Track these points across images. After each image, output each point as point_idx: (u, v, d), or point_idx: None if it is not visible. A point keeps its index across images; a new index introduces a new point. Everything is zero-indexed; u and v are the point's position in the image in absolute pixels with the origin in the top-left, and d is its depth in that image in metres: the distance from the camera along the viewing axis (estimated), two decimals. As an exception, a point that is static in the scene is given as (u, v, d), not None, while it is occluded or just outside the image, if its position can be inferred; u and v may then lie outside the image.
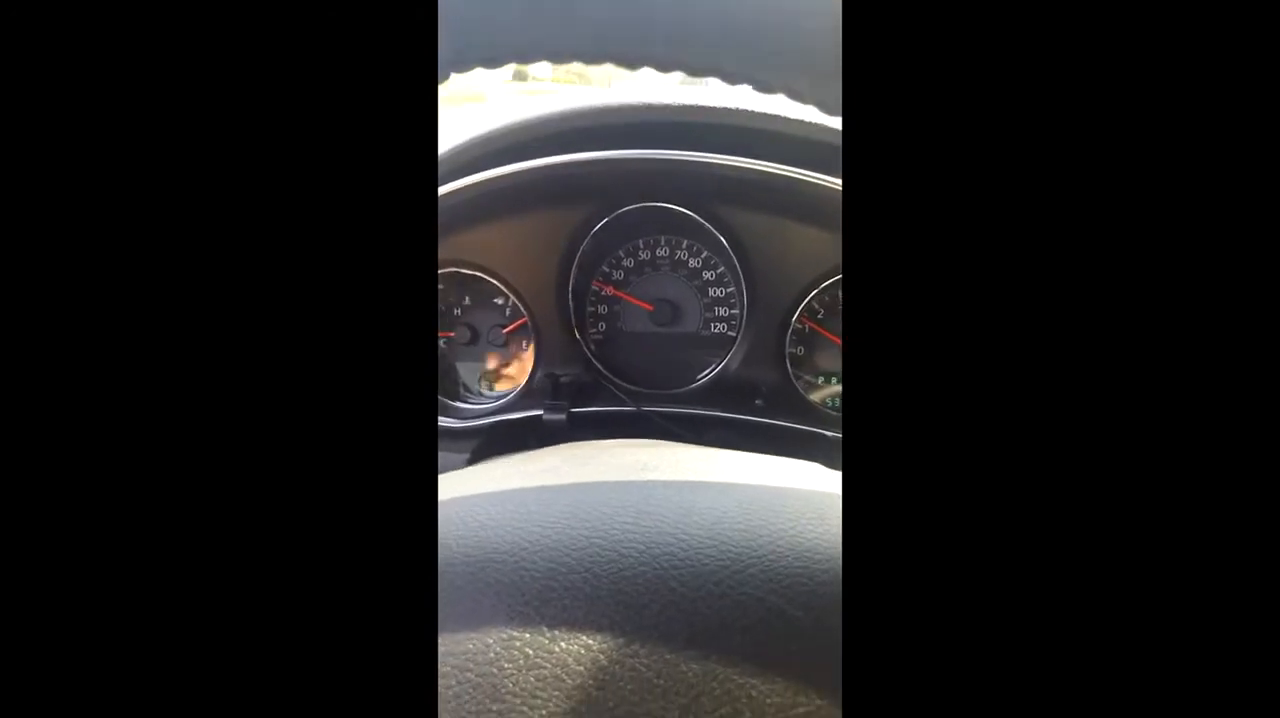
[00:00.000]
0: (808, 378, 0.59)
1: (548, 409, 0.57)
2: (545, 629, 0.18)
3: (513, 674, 0.18)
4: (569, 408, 0.57)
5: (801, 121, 0.49)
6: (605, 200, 0.56)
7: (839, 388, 0.59)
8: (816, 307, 0.57)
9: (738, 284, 0.58)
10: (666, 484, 0.24)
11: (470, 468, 0.33)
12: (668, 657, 0.18)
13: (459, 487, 0.26)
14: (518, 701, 0.17)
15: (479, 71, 0.19)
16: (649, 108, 0.51)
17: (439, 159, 0.55)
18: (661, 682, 0.17)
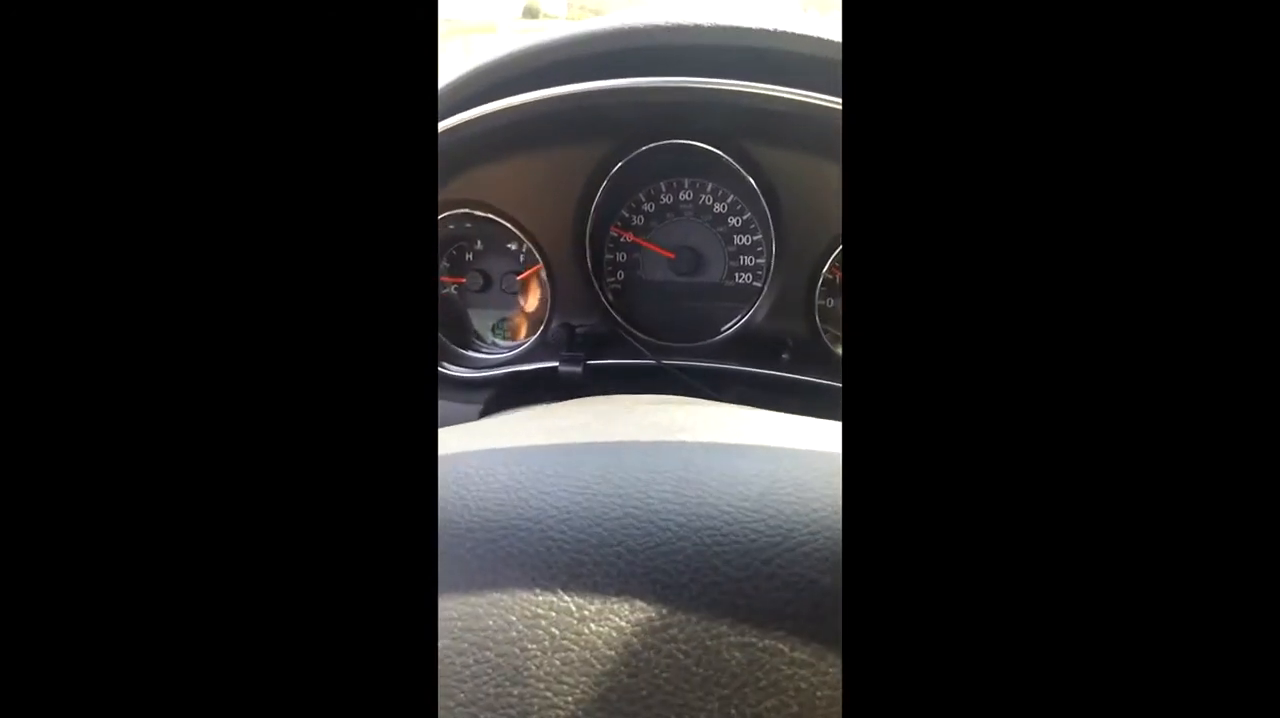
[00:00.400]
0: (838, 332, 0.56)
1: (563, 361, 0.54)
2: (574, 608, 0.17)
3: (536, 656, 0.16)
4: (585, 360, 0.54)
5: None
6: (625, 136, 0.52)
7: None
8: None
9: (765, 231, 0.55)
10: (708, 448, 0.21)
11: (485, 420, 0.30)
12: (708, 643, 0.16)
13: (474, 440, 0.24)
14: (541, 685, 0.16)
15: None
16: (674, 28, 0.47)
17: (452, 86, 0.51)
18: (701, 670, 0.16)
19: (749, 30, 0.46)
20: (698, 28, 0.46)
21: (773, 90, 0.45)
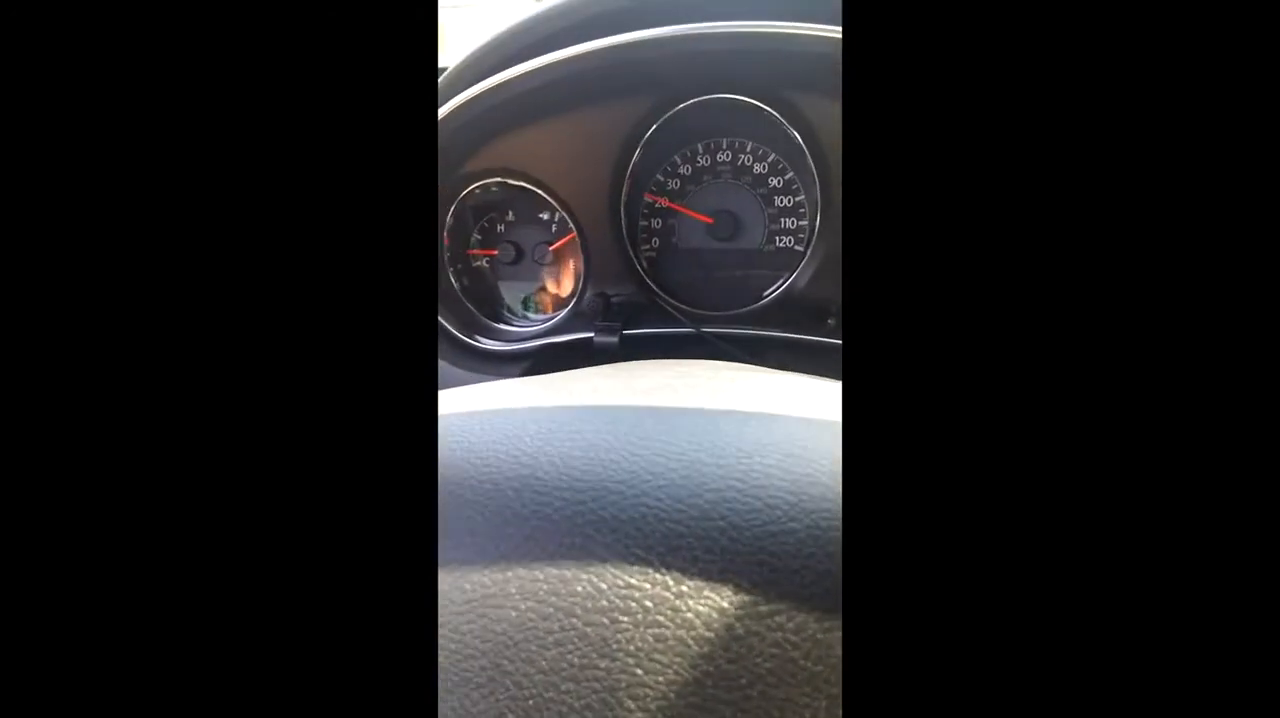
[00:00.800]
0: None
1: (599, 331, 0.52)
2: (670, 582, 0.15)
3: (628, 629, 0.15)
4: (621, 329, 0.52)
5: None
6: (662, 93, 0.50)
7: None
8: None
9: (809, 192, 0.52)
10: (810, 423, 0.19)
11: (551, 376, 0.29)
12: (819, 636, 0.14)
13: (548, 394, 0.22)
14: (631, 661, 0.14)
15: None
16: None
17: (481, 51, 0.49)
18: (809, 664, 0.14)
19: None
20: None
21: (822, 30, 0.42)
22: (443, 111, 0.49)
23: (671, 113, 0.51)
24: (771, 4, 0.44)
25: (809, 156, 0.50)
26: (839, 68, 0.43)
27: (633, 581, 0.15)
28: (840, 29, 0.42)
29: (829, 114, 0.48)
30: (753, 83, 0.49)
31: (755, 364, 0.37)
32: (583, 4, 0.47)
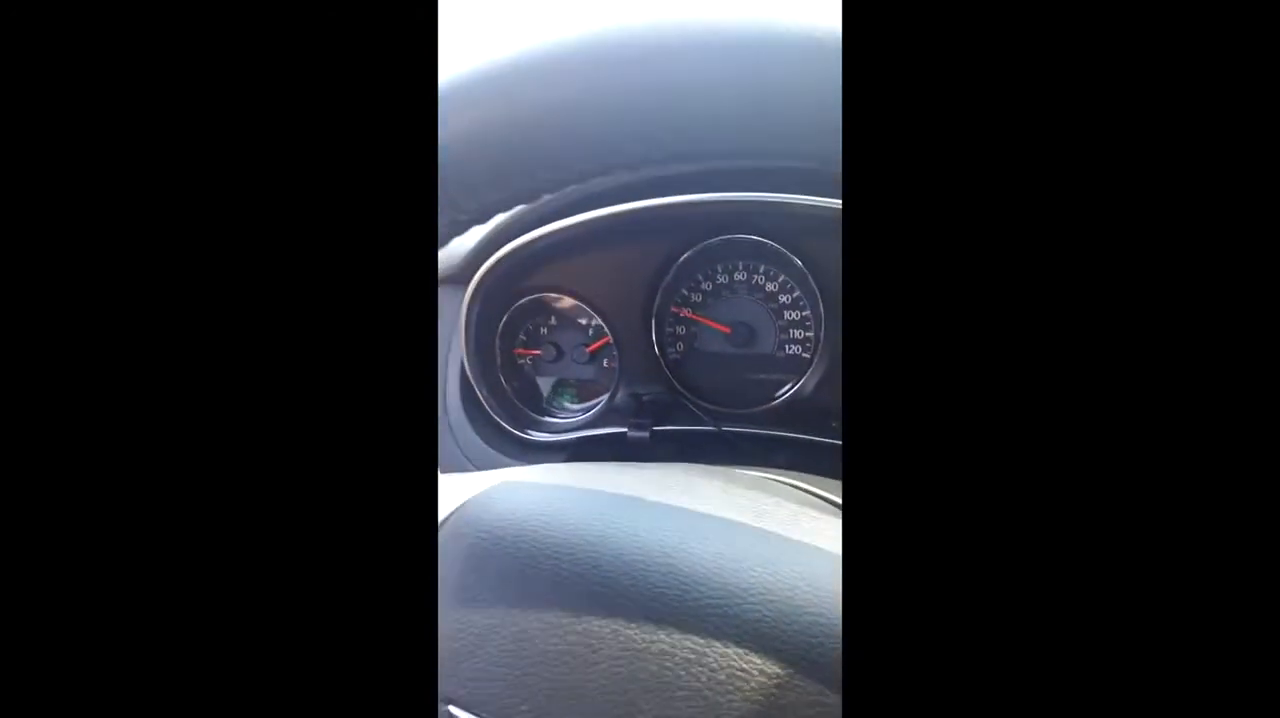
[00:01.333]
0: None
1: (632, 428, 0.60)
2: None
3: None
4: (652, 426, 0.60)
5: None
6: (690, 233, 0.60)
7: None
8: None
9: (814, 308, 0.61)
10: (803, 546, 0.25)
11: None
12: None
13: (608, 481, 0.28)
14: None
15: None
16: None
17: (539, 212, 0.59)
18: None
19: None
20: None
21: (817, 201, 0.52)
22: (497, 255, 0.60)
23: (699, 246, 0.60)
24: (777, 179, 0.54)
25: (811, 279, 0.59)
26: (833, 225, 0.53)
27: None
28: (833, 200, 0.52)
29: (827, 249, 0.57)
30: (762, 228, 0.59)
31: (767, 465, 0.44)
32: (626, 181, 0.57)
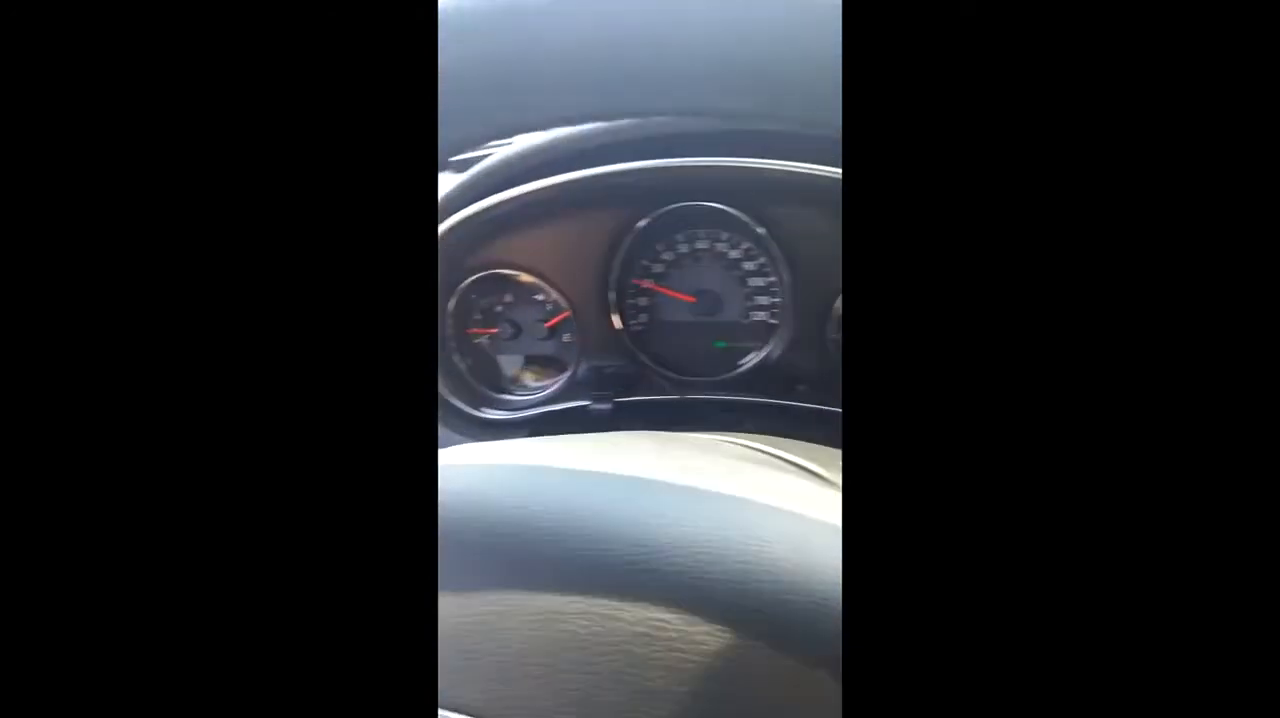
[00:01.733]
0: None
1: (594, 399, 0.58)
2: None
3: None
4: (614, 398, 0.58)
5: None
6: (645, 201, 0.57)
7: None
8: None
9: (779, 273, 0.59)
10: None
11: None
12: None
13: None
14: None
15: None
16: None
17: (486, 170, 0.56)
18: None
19: None
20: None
21: (777, 165, 0.51)
22: (444, 226, 0.57)
23: (655, 214, 0.58)
24: (736, 140, 0.53)
25: (775, 245, 0.57)
26: (792, 184, 0.52)
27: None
28: (791, 164, 0.51)
29: (788, 214, 0.56)
30: (721, 193, 0.57)
31: (738, 431, 0.42)
32: (577, 138, 0.54)
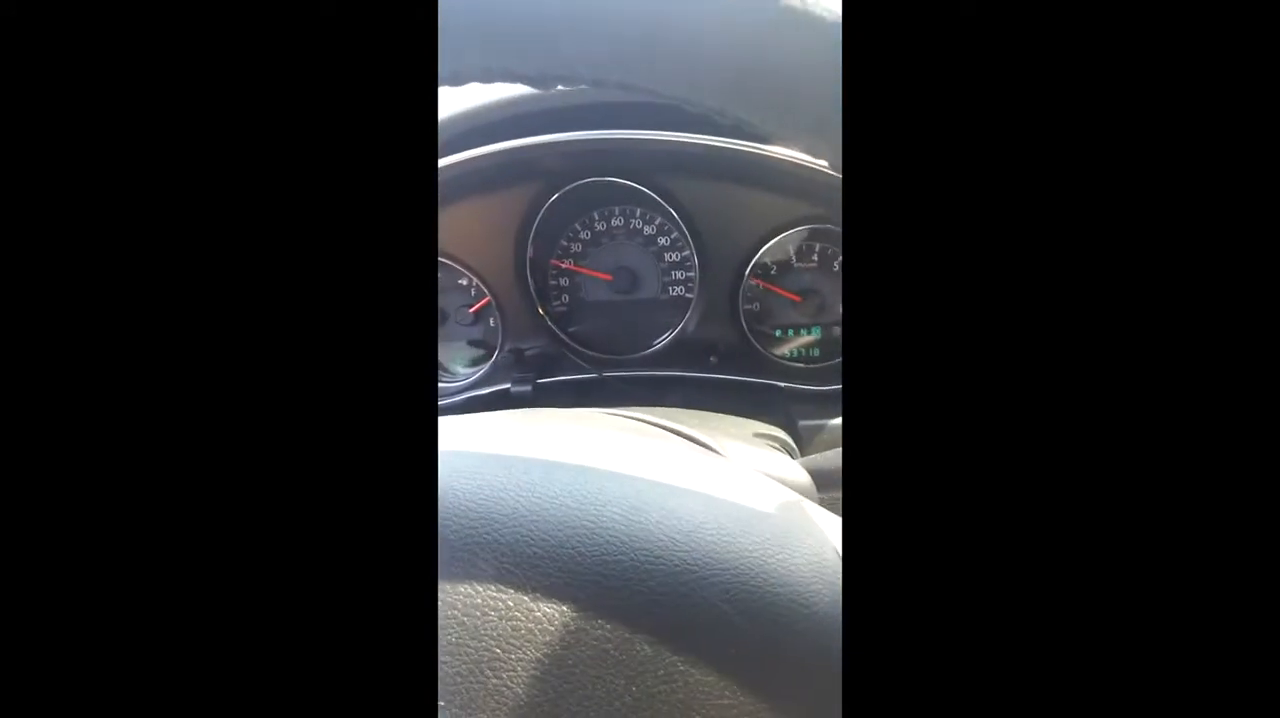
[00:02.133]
0: (765, 333, 0.61)
1: (514, 382, 0.59)
2: (528, 593, 0.20)
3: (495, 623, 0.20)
4: (535, 379, 0.59)
5: None
6: (552, 179, 0.58)
7: (801, 339, 0.61)
8: (769, 263, 0.59)
9: (690, 247, 0.60)
10: (653, 485, 0.25)
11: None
12: (627, 636, 0.20)
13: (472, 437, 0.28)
14: (497, 649, 0.20)
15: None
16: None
17: None
18: (617, 654, 0.20)
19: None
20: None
21: (682, 137, 0.51)
22: None
23: (561, 191, 0.59)
24: (637, 115, 0.53)
25: (681, 223, 0.58)
26: (697, 158, 0.52)
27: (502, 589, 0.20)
28: (699, 137, 0.51)
29: (693, 189, 0.57)
30: (627, 169, 0.57)
31: (658, 404, 0.43)
32: (481, 109, 0.54)
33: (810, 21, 0.16)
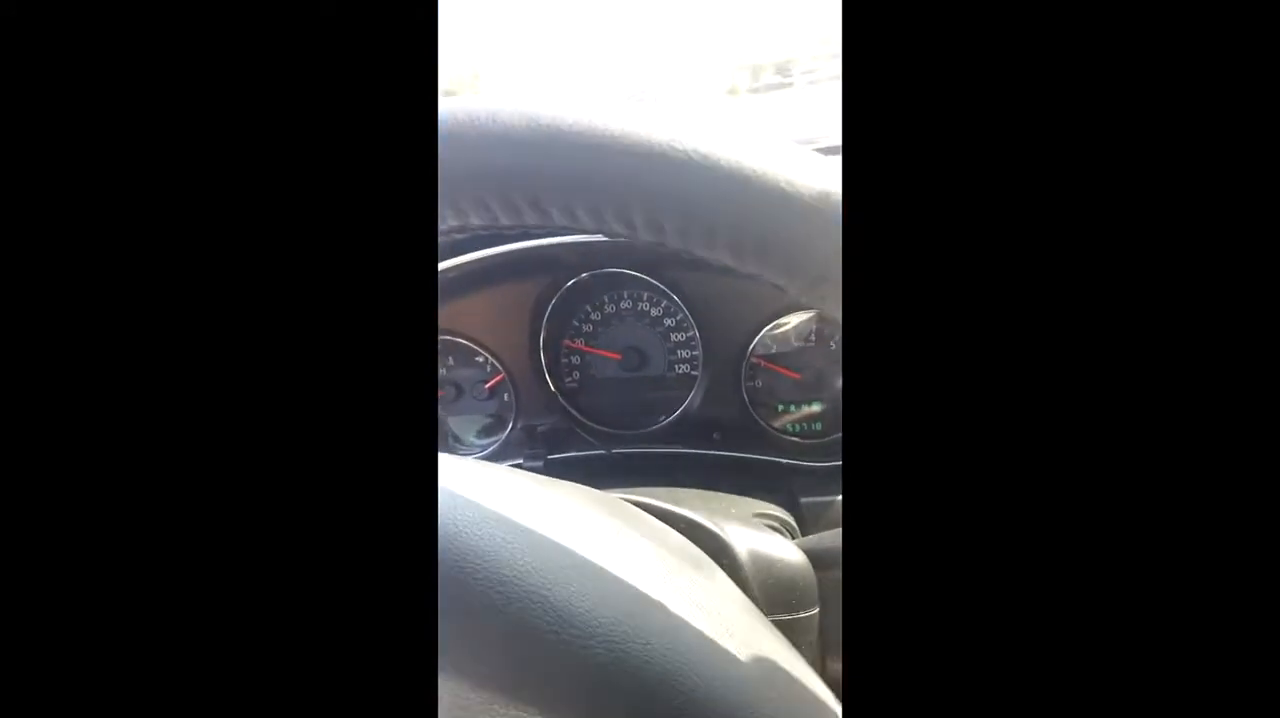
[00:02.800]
0: (768, 405, 0.63)
1: (526, 458, 0.61)
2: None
3: None
4: (546, 455, 0.61)
5: None
6: (565, 270, 0.62)
7: (803, 412, 0.63)
8: (769, 342, 0.62)
9: (694, 328, 0.63)
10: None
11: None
12: None
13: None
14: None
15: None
16: None
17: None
18: None
19: None
20: None
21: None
22: None
23: (574, 280, 0.63)
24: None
25: (684, 308, 0.62)
26: (702, 260, 0.56)
27: None
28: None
29: (696, 279, 0.60)
30: (634, 263, 0.62)
31: (667, 484, 0.45)
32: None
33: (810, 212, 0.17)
